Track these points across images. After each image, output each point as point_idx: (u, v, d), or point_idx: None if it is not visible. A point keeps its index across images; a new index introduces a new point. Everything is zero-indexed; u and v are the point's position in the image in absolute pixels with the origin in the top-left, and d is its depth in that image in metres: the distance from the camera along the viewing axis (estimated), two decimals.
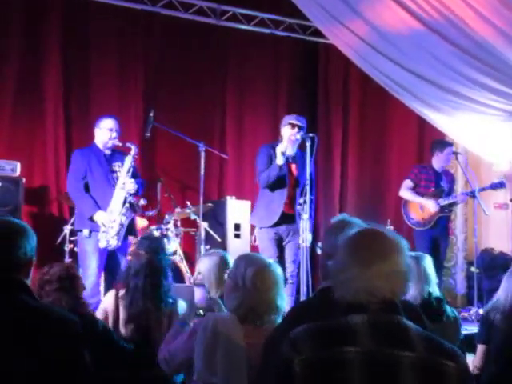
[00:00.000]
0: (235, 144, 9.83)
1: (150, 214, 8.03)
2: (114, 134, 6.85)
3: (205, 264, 4.54)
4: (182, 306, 4.40)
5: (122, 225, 6.64)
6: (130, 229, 6.86)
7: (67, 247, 7.56)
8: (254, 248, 8.52)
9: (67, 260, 7.52)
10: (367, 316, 2.20)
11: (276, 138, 8.55)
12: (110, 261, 6.70)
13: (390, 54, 7.53)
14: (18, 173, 7.47)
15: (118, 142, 6.87)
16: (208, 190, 8.78)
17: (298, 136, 7.04)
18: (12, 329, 2.54)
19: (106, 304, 4.59)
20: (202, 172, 7.55)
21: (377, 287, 2.22)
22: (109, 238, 6.56)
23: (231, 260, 4.37)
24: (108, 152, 6.89)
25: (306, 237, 6.63)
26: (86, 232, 6.64)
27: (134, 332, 4.37)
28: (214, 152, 8.72)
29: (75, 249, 7.64)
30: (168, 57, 9.33)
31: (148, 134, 8.09)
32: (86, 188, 6.73)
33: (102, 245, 6.56)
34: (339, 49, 8.07)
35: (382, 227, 2.42)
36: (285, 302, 3.57)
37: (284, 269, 6.95)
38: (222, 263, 4.45)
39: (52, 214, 8.49)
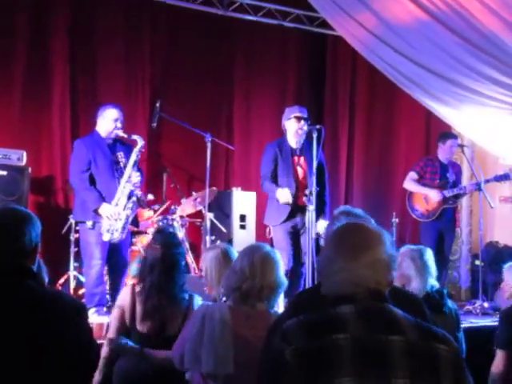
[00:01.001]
0: (242, 135, 9.83)
1: (156, 207, 8.01)
2: (119, 125, 6.86)
3: (206, 259, 4.52)
4: (198, 301, 4.33)
5: (127, 218, 6.66)
6: (133, 219, 6.87)
7: (72, 237, 7.56)
8: (259, 239, 8.54)
9: (73, 250, 7.53)
10: (355, 305, 2.22)
11: (281, 129, 8.56)
12: (112, 251, 6.72)
13: (398, 47, 7.52)
14: (24, 162, 7.48)
15: (122, 133, 6.86)
16: (214, 180, 8.77)
17: (305, 127, 7.05)
18: (21, 314, 2.56)
19: (121, 301, 4.43)
20: (208, 163, 7.55)
21: (362, 277, 2.25)
22: (113, 231, 6.57)
23: (235, 253, 4.38)
24: (110, 141, 6.89)
25: (311, 228, 6.66)
26: (89, 223, 6.64)
27: (150, 329, 4.31)
28: (221, 143, 8.72)
29: None
30: (175, 48, 9.33)
31: (154, 125, 8.10)
32: (91, 179, 6.72)
33: (106, 238, 6.58)
34: (347, 40, 8.05)
35: (366, 221, 2.47)
36: (283, 287, 3.60)
37: (300, 260, 6.99)
38: (224, 257, 4.37)
39: (58, 203, 8.50)
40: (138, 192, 6.73)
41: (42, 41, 8.48)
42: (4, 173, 7.26)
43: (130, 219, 6.73)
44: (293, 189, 7.08)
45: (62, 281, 7.40)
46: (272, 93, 10.04)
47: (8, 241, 2.68)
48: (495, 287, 8.28)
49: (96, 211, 6.60)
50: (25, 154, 7.51)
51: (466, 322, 6.74)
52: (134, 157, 6.75)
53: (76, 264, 7.51)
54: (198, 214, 8.33)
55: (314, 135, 6.83)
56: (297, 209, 7.07)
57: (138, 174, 6.76)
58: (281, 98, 10.06)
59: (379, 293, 2.27)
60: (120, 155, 6.81)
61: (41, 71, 8.48)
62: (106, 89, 8.84)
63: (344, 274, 2.25)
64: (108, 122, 6.84)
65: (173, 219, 7.69)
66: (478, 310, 7.85)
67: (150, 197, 7.55)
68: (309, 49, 10.37)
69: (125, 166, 6.77)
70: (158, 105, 7.70)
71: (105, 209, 6.58)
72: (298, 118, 7.12)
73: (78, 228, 7.53)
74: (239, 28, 9.73)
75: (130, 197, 6.68)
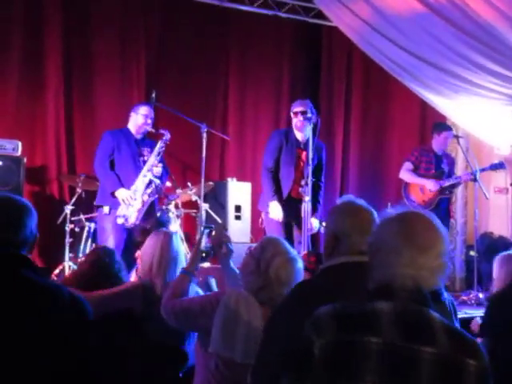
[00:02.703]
0: (237, 126, 9.83)
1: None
2: (149, 121, 7.11)
3: (147, 243, 4.53)
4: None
5: (143, 203, 6.81)
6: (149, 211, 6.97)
7: (68, 227, 7.56)
8: (254, 230, 8.56)
9: (68, 240, 7.53)
10: (394, 304, 2.14)
11: (277, 119, 8.61)
12: (128, 240, 6.77)
13: (393, 37, 7.52)
14: (19, 152, 7.47)
15: (150, 128, 7.12)
16: (209, 171, 8.77)
17: (301, 118, 7.06)
18: (21, 305, 2.56)
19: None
20: (204, 153, 7.55)
21: (423, 277, 2.16)
22: (128, 215, 6.69)
23: (178, 242, 4.42)
24: (139, 137, 7.11)
25: (307, 218, 6.68)
26: (106, 209, 6.81)
27: None
28: (216, 134, 8.71)
29: (76, 229, 7.67)
30: (170, 39, 9.32)
31: None
32: (112, 165, 6.92)
33: (120, 221, 6.72)
34: (342, 31, 8.05)
35: (426, 212, 2.32)
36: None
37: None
38: (167, 245, 4.37)
39: (53, 194, 8.50)
40: (157, 180, 6.87)
41: (36, 31, 8.47)
42: None
43: (147, 205, 6.88)
44: (290, 181, 7.15)
45: (57, 271, 7.40)
46: (267, 83, 10.04)
47: (8, 232, 2.68)
48: (490, 278, 8.31)
49: (113, 194, 6.77)
50: (20, 144, 7.51)
51: (461, 313, 6.74)
52: (158, 148, 6.98)
53: (71, 254, 7.52)
54: (194, 205, 8.33)
55: (309, 127, 6.85)
56: (290, 201, 7.12)
57: (161, 165, 6.96)
58: (276, 88, 10.06)
59: (423, 295, 2.18)
60: (146, 150, 7.06)
61: (35, 62, 8.47)
62: (100, 79, 8.84)
63: (407, 269, 2.15)
64: (140, 117, 7.08)
65: (168, 209, 7.68)
66: (473, 301, 7.86)
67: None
68: (304, 39, 10.36)
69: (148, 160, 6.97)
70: (153, 95, 7.68)
71: (121, 193, 6.75)
72: (296, 113, 7.15)
73: (73, 218, 7.58)
74: (235, 18, 9.71)
75: (148, 185, 6.85)
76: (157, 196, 7.07)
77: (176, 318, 3.67)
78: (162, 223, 6.66)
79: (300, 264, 3.51)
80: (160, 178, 6.94)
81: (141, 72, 9.11)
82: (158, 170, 6.90)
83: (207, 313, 3.47)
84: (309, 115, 7.01)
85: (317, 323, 2.16)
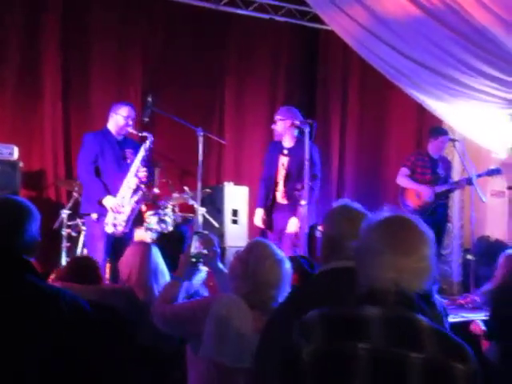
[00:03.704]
0: (233, 130, 9.82)
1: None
2: (131, 122, 6.98)
3: (128, 253, 4.62)
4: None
5: (132, 211, 6.73)
6: (138, 218, 6.94)
7: (64, 232, 7.55)
8: (251, 234, 8.54)
9: (65, 245, 7.52)
10: (382, 309, 2.15)
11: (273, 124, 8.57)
12: (117, 246, 6.72)
13: (389, 41, 7.52)
14: (15, 156, 7.47)
15: (132, 130, 6.99)
16: (206, 175, 8.76)
17: (278, 127, 7.47)
18: (23, 309, 2.55)
19: None
20: (201, 157, 7.54)
21: (405, 280, 2.16)
22: (117, 223, 6.61)
23: (156, 254, 4.54)
24: (120, 138, 6.99)
25: (304, 222, 6.72)
26: (94, 216, 6.71)
27: None
28: (213, 137, 8.70)
29: (72, 233, 7.65)
30: (167, 43, 9.31)
31: (146, 119, 8.07)
32: (97, 172, 6.79)
33: (109, 230, 6.64)
34: (338, 35, 8.04)
35: (411, 215, 2.33)
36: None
37: None
38: (146, 257, 4.52)
39: (49, 198, 8.50)
40: (143, 187, 6.81)
41: (34, 38, 8.48)
42: None
43: (136, 212, 6.85)
44: (269, 188, 7.60)
45: (53, 276, 7.38)
46: (263, 87, 10.04)
47: (7, 236, 2.67)
48: (487, 281, 8.30)
49: (100, 202, 6.68)
50: (16, 148, 7.50)
51: (458, 317, 6.75)
52: (142, 152, 6.86)
53: (68, 259, 7.49)
54: (190, 209, 8.32)
55: (306, 130, 6.86)
56: (276, 206, 7.57)
57: (145, 169, 6.84)
58: (272, 92, 10.06)
59: (411, 299, 2.18)
60: (129, 152, 6.94)
61: (33, 67, 8.49)
62: (97, 84, 8.84)
63: (389, 272, 2.16)
64: (120, 118, 6.94)
65: (165, 214, 7.66)
66: (470, 305, 7.85)
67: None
68: (300, 43, 10.37)
69: (132, 163, 6.86)
70: (149, 99, 7.67)
71: (108, 201, 6.65)
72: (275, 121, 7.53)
73: (70, 223, 7.55)
74: (231, 22, 9.72)
75: (135, 191, 6.76)
76: (144, 202, 7.04)
77: (167, 324, 3.66)
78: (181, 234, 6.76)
79: (288, 265, 3.51)
80: (145, 182, 6.87)
81: (137, 77, 9.11)
82: (143, 175, 6.80)
83: (198, 318, 3.46)
84: (276, 121, 7.46)
85: (305, 329, 2.16)
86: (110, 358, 3.44)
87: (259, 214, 7.61)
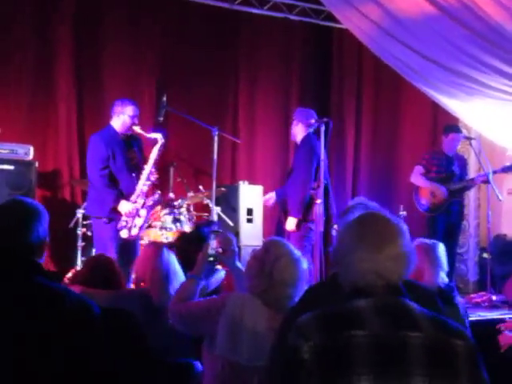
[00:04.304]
0: (247, 129, 9.82)
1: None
2: (136, 121, 6.92)
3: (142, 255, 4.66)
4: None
5: (146, 216, 6.74)
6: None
7: (80, 231, 7.57)
8: (266, 233, 8.55)
9: (80, 244, 7.55)
10: (372, 300, 2.19)
11: (287, 123, 8.64)
12: (124, 248, 6.72)
13: (404, 39, 7.49)
14: (31, 156, 7.50)
15: (140, 130, 6.93)
16: (221, 174, 8.77)
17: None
18: (30, 310, 2.56)
19: None
20: (215, 157, 7.54)
21: (386, 269, 2.21)
22: (131, 228, 6.62)
23: (169, 255, 4.61)
24: (124, 137, 6.94)
25: (320, 220, 6.73)
26: (105, 219, 6.69)
27: None
28: (227, 137, 8.70)
29: (88, 233, 7.67)
30: (181, 42, 9.30)
31: (161, 119, 8.09)
32: (109, 176, 6.76)
33: (125, 234, 6.62)
34: (352, 33, 8.03)
35: (383, 211, 2.40)
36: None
37: None
38: (158, 259, 4.58)
39: (64, 197, 8.52)
40: (158, 190, 6.87)
41: (47, 39, 8.51)
42: (11, 167, 7.28)
43: (149, 216, 6.86)
44: None
45: (69, 275, 7.41)
46: (277, 86, 10.02)
47: (15, 238, 2.68)
48: (503, 280, 8.26)
49: (114, 208, 6.65)
50: (32, 148, 7.53)
51: (475, 315, 6.72)
52: (154, 155, 6.82)
53: (83, 258, 7.52)
54: (205, 208, 8.33)
55: (322, 128, 6.88)
56: None
57: (156, 172, 6.87)
58: (286, 91, 10.05)
59: (396, 287, 2.24)
60: (134, 151, 6.94)
61: (46, 67, 8.51)
62: (111, 83, 8.85)
63: (366, 264, 2.21)
64: (126, 117, 6.88)
65: (180, 213, 7.67)
66: (486, 303, 7.82)
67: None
68: (314, 42, 10.34)
69: (139, 162, 6.87)
70: (164, 99, 7.69)
71: (123, 206, 6.63)
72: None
73: (85, 222, 7.56)
74: (245, 21, 9.71)
75: (150, 194, 6.79)
76: (159, 205, 7.05)
77: (182, 322, 3.69)
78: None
79: (304, 265, 3.51)
80: (157, 184, 6.91)
81: (151, 76, 9.12)
82: (155, 177, 6.81)
83: (213, 316, 3.47)
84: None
85: (301, 329, 2.19)
86: (118, 361, 3.45)
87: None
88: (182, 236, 7.13)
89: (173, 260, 4.68)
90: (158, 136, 6.91)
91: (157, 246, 4.79)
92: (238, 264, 4.00)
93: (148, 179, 6.75)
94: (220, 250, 3.93)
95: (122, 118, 6.89)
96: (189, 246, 6.57)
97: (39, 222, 2.73)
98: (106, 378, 2.66)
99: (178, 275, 4.60)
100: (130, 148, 6.92)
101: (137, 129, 6.90)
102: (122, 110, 6.90)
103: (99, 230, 6.83)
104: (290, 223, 7.28)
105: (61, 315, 2.58)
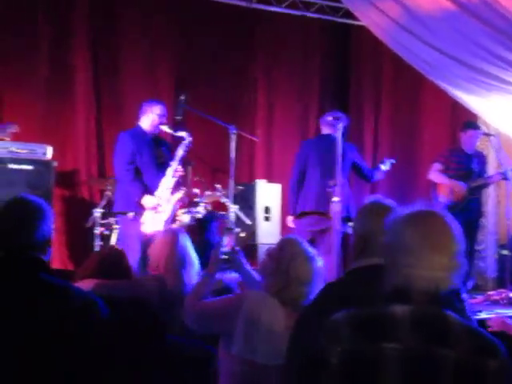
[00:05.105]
0: (265, 127, 9.81)
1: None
2: (165, 120, 7.08)
3: (156, 241, 4.71)
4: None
5: (172, 212, 6.85)
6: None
7: (97, 230, 7.58)
8: (284, 231, 8.53)
9: (98, 243, 7.56)
10: (411, 307, 2.11)
11: (305, 121, 8.61)
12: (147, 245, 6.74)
13: (422, 35, 7.45)
14: (49, 156, 7.51)
15: (168, 129, 7.09)
16: (238, 173, 8.73)
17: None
18: (34, 306, 2.57)
19: None
20: (233, 155, 7.54)
21: (440, 278, 2.13)
22: (156, 222, 6.69)
23: (184, 240, 4.60)
24: (153, 136, 7.06)
25: (337, 219, 6.70)
26: (130, 214, 6.76)
27: None
28: (245, 135, 8.69)
29: (105, 232, 7.68)
30: (198, 41, 9.30)
31: (179, 117, 8.10)
32: (136, 171, 6.85)
33: (148, 229, 6.67)
34: (370, 30, 7.99)
35: (440, 210, 2.27)
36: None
37: None
38: (174, 244, 4.59)
39: (83, 197, 8.55)
40: (183, 187, 6.98)
41: (64, 39, 8.56)
42: (30, 167, 7.29)
43: (175, 211, 6.96)
44: None
45: (79, 272, 7.41)
46: (295, 83, 10.02)
47: (19, 236, 2.68)
48: None
49: (139, 202, 6.74)
50: (50, 148, 7.54)
51: (493, 313, 6.67)
52: (180, 151, 6.96)
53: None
54: (223, 206, 8.32)
55: (338, 126, 6.88)
56: None
57: (183, 169, 7.03)
58: (304, 89, 10.03)
59: (440, 296, 2.14)
60: (162, 150, 7.06)
61: (65, 67, 8.57)
62: (129, 83, 8.89)
63: (425, 269, 2.12)
64: (155, 117, 7.01)
65: (197, 212, 7.67)
66: (505, 301, 7.76)
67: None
68: (332, 39, 10.32)
69: (167, 161, 6.94)
70: (182, 98, 7.70)
71: (147, 200, 6.72)
72: None
73: (103, 221, 7.58)
74: (262, 19, 9.70)
75: (174, 190, 6.87)
76: (184, 201, 7.10)
77: (197, 321, 3.68)
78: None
79: (319, 263, 3.50)
80: (181, 182, 6.98)
81: (169, 74, 9.15)
82: (180, 174, 6.94)
83: (229, 315, 3.47)
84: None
85: (332, 331, 2.13)
86: (127, 356, 3.45)
87: None
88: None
89: (189, 246, 4.68)
90: (186, 134, 7.03)
91: (173, 232, 4.77)
92: (245, 265, 4.00)
93: (173, 176, 6.86)
94: (234, 247, 3.93)
95: (150, 117, 7.02)
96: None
97: (43, 219, 2.74)
98: (113, 374, 2.66)
99: (194, 263, 4.60)
100: (158, 147, 7.05)
101: (165, 128, 7.05)
102: (151, 109, 7.04)
103: (125, 227, 6.93)
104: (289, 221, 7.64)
105: (65, 311, 2.59)
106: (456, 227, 2.20)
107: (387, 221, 2.31)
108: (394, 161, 7.78)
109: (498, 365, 2.09)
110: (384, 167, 7.73)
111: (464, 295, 4.77)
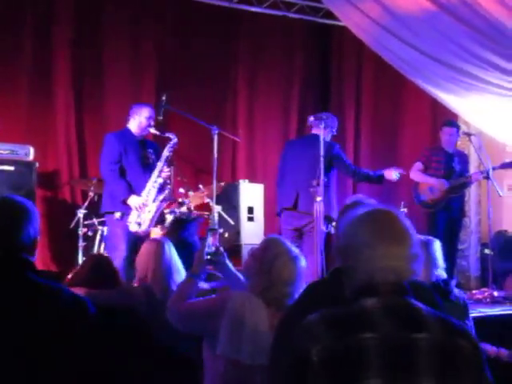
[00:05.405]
0: (247, 127, 9.82)
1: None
2: (152, 122, 7.06)
3: (142, 251, 4.74)
4: None
5: (157, 210, 6.81)
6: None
7: (81, 231, 7.57)
8: (267, 231, 8.54)
9: (81, 244, 7.55)
10: (381, 299, 2.17)
11: (287, 121, 8.63)
12: (137, 245, 6.73)
13: (403, 36, 7.50)
14: (31, 157, 7.50)
15: (155, 130, 7.08)
16: (221, 173, 8.75)
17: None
18: (22, 308, 2.56)
19: None
20: (215, 155, 7.55)
21: (401, 267, 2.20)
22: (142, 222, 6.68)
23: (170, 250, 4.67)
24: (140, 138, 7.06)
25: (319, 219, 6.71)
26: (117, 214, 6.75)
27: None
28: (227, 135, 8.70)
29: (89, 233, 7.67)
30: (180, 41, 9.32)
31: (160, 118, 8.09)
32: (121, 172, 6.84)
33: (134, 229, 6.68)
34: (351, 31, 8.03)
35: (390, 208, 2.36)
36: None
37: None
38: (159, 254, 4.65)
39: (65, 198, 8.53)
40: (168, 186, 6.95)
41: (47, 39, 8.53)
42: (12, 168, 7.29)
43: (160, 212, 6.90)
44: None
45: (70, 276, 7.40)
46: (277, 84, 10.03)
47: (6, 238, 2.68)
48: (505, 276, 8.26)
49: (124, 202, 6.73)
50: (32, 149, 7.53)
51: (476, 312, 6.71)
52: (166, 152, 6.95)
53: (84, 258, 7.51)
54: (206, 207, 8.32)
55: (321, 126, 6.93)
56: None
57: (169, 169, 6.98)
58: (285, 89, 10.05)
59: (403, 286, 2.21)
60: (150, 152, 7.04)
61: (46, 68, 8.53)
62: (111, 84, 8.87)
63: (387, 260, 2.18)
64: (143, 119, 7.01)
65: (181, 212, 7.67)
66: (488, 300, 7.81)
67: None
68: (314, 40, 10.35)
69: (153, 164, 6.94)
70: (164, 98, 7.69)
71: (133, 200, 6.71)
72: None
73: (86, 222, 7.57)
74: (244, 19, 9.72)
75: (160, 190, 6.84)
76: (169, 201, 7.10)
77: (181, 321, 3.66)
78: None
79: (303, 263, 3.51)
80: (169, 182, 6.97)
81: (151, 75, 9.12)
82: (166, 174, 6.91)
83: (213, 315, 3.47)
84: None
85: (309, 330, 2.16)
86: (116, 359, 3.45)
87: None
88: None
89: (175, 255, 4.70)
90: (172, 135, 7.04)
91: (158, 242, 4.80)
92: (229, 265, 4.00)
93: (159, 176, 6.85)
94: (218, 247, 3.93)
95: (138, 120, 7.02)
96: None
97: (29, 220, 2.73)
98: (101, 377, 2.66)
99: (180, 271, 4.63)
100: (145, 149, 7.04)
101: (152, 130, 7.06)
102: (138, 111, 7.04)
103: (112, 227, 6.91)
104: None
105: (54, 312, 2.58)
106: (406, 221, 2.29)
107: (340, 225, 2.36)
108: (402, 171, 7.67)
109: (470, 345, 2.18)
110: (395, 175, 7.53)
111: (457, 293, 4.80)
